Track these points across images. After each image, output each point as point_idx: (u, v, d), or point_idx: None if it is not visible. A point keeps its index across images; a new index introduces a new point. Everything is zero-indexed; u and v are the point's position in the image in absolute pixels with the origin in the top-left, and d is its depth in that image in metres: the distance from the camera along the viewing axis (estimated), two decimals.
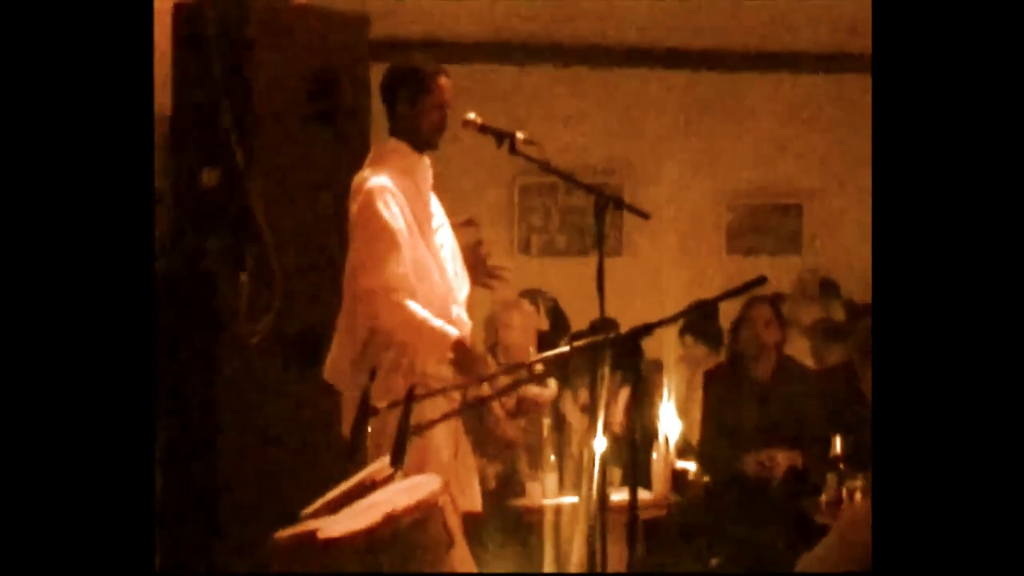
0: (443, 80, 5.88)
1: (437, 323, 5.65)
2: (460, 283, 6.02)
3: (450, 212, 6.12)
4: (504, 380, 6.38)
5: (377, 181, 5.75)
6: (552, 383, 7.66)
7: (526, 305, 8.88)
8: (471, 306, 6.11)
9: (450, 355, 5.58)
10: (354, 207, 5.78)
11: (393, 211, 5.70)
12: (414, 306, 5.64)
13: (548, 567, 5.31)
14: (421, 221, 5.84)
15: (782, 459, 7.55)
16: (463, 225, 6.38)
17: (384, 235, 5.68)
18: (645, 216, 6.01)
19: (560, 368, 6.80)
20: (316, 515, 4.78)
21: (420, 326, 5.63)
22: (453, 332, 5.63)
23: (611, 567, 5.26)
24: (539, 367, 6.33)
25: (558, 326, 9.32)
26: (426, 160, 5.94)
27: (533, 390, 7.62)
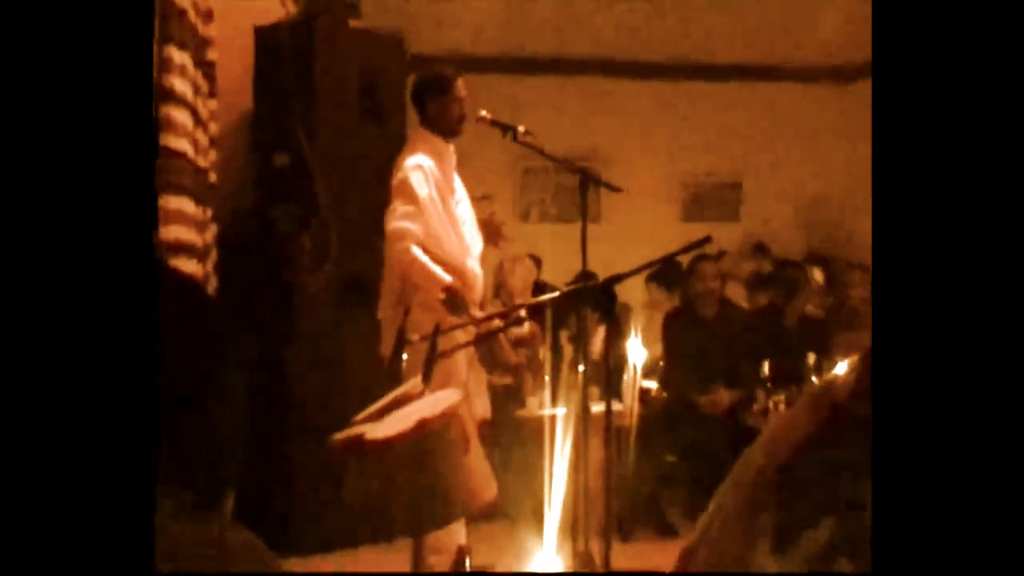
0: (460, 82, 5.90)
1: (435, 269, 5.60)
2: (475, 242, 6.00)
3: (468, 187, 6.11)
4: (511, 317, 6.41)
5: (412, 161, 5.75)
6: (526, 325, 7.65)
7: (527, 260, 8.93)
8: (483, 260, 6.11)
9: (442, 296, 5.59)
10: (394, 181, 5.78)
11: (421, 183, 5.71)
12: (417, 252, 5.61)
13: (545, 463, 5.31)
14: (444, 194, 5.83)
15: (725, 397, 7.58)
16: (480, 199, 6.41)
17: (408, 199, 5.68)
18: (618, 190, 5.99)
19: (554, 308, 6.79)
20: (364, 422, 4.79)
21: (420, 268, 5.59)
22: (447, 278, 5.60)
23: (592, 462, 5.28)
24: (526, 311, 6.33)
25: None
26: (451, 147, 5.93)
27: (520, 329, 7.64)
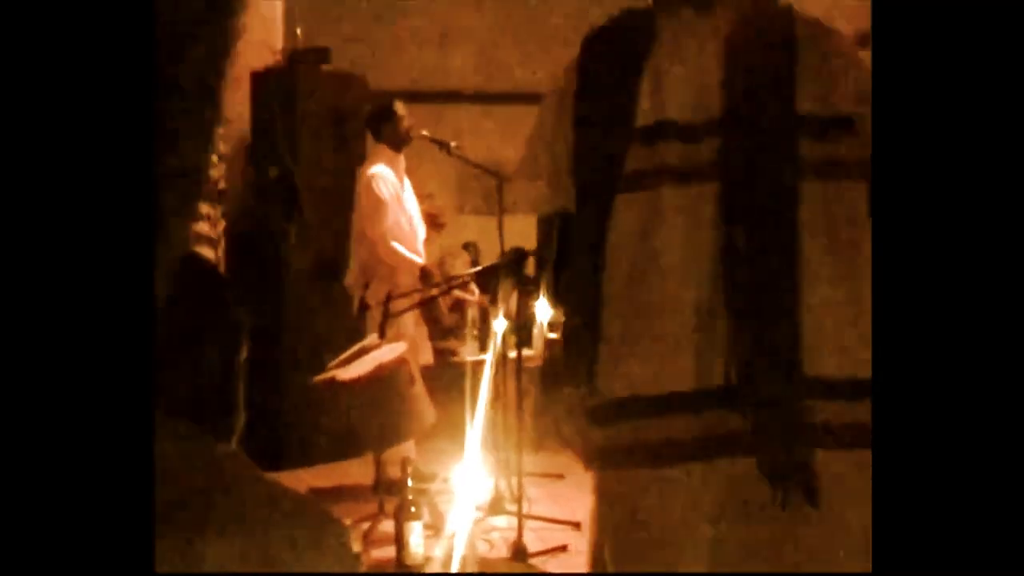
0: (402, 109, 5.89)
1: (411, 256, 5.70)
2: (421, 230, 6.02)
3: (417, 188, 6.12)
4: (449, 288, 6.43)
5: (373, 169, 5.77)
6: (477, 291, 7.66)
7: (464, 253, 9.01)
8: (429, 243, 6.17)
9: (418, 274, 5.65)
10: (360, 185, 5.80)
11: (383, 189, 5.71)
12: (397, 245, 5.69)
13: (468, 397, 5.32)
14: (398, 194, 5.85)
15: None
16: (426, 196, 6.41)
17: (380, 205, 5.68)
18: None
19: (480, 279, 6.81)
20: (336, 367, 4.82)
21: (400, 257, 5.68)
22: (420, 261, 5.69)
23: (509, 396, 5.31)
24: (466, 279, 6.36)
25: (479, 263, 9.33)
26: (401, 157, 5.93)
27: (467, 296, 7.64)
